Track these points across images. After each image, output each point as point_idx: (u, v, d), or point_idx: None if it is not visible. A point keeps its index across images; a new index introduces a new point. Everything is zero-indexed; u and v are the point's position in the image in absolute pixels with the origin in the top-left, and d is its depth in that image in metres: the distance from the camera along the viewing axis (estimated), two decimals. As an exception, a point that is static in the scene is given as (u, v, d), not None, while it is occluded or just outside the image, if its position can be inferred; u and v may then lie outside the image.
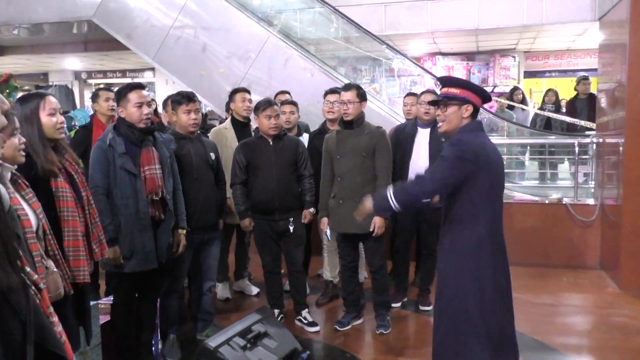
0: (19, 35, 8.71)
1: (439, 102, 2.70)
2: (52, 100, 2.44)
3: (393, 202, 2.61)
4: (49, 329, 1.75)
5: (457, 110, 2.64)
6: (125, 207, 3.13)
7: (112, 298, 3.39)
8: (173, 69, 7.17)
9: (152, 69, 14.55)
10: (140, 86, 3.27)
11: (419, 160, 4.28)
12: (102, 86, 8.72)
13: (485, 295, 2.57)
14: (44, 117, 2.40)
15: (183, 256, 3.52)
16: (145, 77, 15.56)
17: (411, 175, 4.14)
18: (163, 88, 14.21)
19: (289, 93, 5.30)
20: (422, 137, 4.35)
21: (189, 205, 3.52)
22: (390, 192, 2.62)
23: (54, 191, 2.36)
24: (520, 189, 6.85)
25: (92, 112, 4.87)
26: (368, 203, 2.76)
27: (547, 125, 8.03)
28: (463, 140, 2.55)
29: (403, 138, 4.32)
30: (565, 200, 5.92)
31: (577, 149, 6.11)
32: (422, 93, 4.48)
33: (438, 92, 3.02)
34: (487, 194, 2.56)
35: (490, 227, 2.59)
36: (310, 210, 4.07)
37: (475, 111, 2.66)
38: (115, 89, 3.60)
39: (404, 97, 5.13)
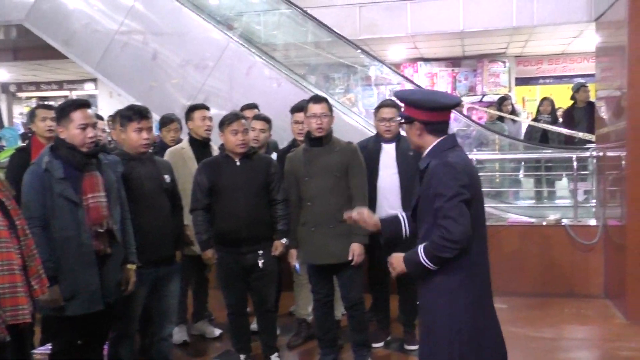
0: None
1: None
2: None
3: (431, 265, 2.59)
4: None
5: (410, 129, 2.69)
6: (66, 241, 3.10)
7: (50, 347, 3.32)
8: (118, 80, 7.14)
9: (94, 80, 14.48)
10: (85, 104, 3.26)
11: (387, 179, 4.33)
12: (39, 103, 8.58)
13: (472, 335, 2.60)
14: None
15: (134, 295, 3.47)
16: (86, 90, 15.47)
17: (380, 197, 4.27)
18: (107, 102, 14.12)
19: (257, 107, 5.32)
20: (387, 153, 4.40)
21: (140, 236, 3.49)
22: (422, 257, 2.59)
23: (-17, 220, 2.34)
24: (515, 209, 6.95)
25: (22, 131, 4.79)
26: (401, 265, 2.71)
27: (544, 138, 8.19)
28: (445, 164, 2.54)
29: (367, 156, 4.29)
30: (565, 222, 6.02)
31: (575, 163, 6.22)
32: (380, 107, 4.48)
33: None
34: (475, 216, 2.58)
35: (480, 253, 2.63)
36: (282, 241, 4.05)
37: (431, 125, 2.63)
38: (56, 106, 3.58)
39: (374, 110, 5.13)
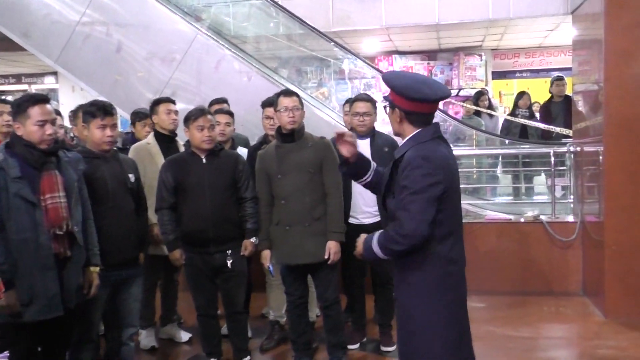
0: None
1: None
2: None
3: (380, 254, 2.65)
4: None
5: (391, 114, 2.67)
6: (23, 243, 3.05)
7: (7, 355, 3.28)
8: (81, 73, 7.06)
9: (55, 73, 14.29)
10: (44, 100, 3.21)
11: None
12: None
13: (452, 334, 2.62)
14: None
15: (96, 299, 3.44)
16: (46, 83, 15.24)
17: (356, 194, 4.31)
18: (68, 96, 13.95)
19: (226, 102, 5.33)
20: (362, 149, 4.34)
21: (103, 237, 3.47)
22: (375, 244, 2.65)
23: None
24: (492, 206, 7.02)
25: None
26: (360, 246, 2.78)
27: (524, 133, 8.26)
28: (422, 157, 2.51)
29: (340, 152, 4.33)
30: (542, 218, 6.11)
31: (552, 159, 6.31)
32: (354, 101, 4.52)
33: None
34: (451, 213, 2.60)
35: (457, 250, 2.64)
36: (251, 240, 4.06)
37: (411, 115, 2.61)
38: (13, 100, 3.55)
39: (343, 104, 5.14)
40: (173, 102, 4.73)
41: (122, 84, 6.89)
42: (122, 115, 6.10)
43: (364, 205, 4.35)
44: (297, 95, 4.07)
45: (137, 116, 5.07)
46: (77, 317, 3.36)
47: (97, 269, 3.39)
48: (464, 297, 2.71)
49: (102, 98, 5.73)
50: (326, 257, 3.90)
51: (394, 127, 2.71)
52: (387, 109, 2.69)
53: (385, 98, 2.72)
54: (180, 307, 5.06)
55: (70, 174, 3.25)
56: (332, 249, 3.91)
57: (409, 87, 2.59)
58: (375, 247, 2.62)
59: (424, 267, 2.57)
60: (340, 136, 2.81)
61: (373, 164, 2.91)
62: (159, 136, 4.64)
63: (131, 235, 3.68)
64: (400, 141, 2.74)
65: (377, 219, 4.30)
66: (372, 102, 4.46)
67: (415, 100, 2.57)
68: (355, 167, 2.87)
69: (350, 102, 4.68)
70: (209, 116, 4.01)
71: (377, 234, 2.66)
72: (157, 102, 4.70)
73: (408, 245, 2.50)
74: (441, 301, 2.59)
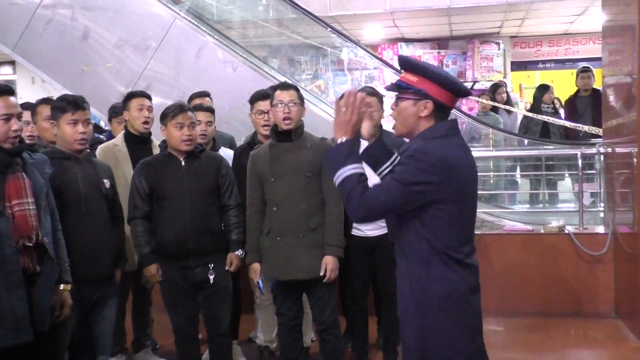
0: None
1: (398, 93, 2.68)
2: None
3: (339, 178, 2.55)
4: None
5: (412, 106, 2.61)
6: (-15, 257, 3.00)
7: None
8: (42, 63, 7.05)
9: (12, 62, 14.22)
10: (8, 91, 3.17)
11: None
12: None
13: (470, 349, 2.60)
14: None
15: (66, 322, 3.41)
16: (2, 74, 15.18)
17: None
18: (28, 89, 13.90)
19: (208, 96, 5.32)
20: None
21: (74, 249, 3.47)
22: (347, 172, 2.52)
23: None
24: (511, 215, 6.98)
25: None
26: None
27: (545, 132, 8.21)
28: (424, 151, 2.50)
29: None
30: (569, 229, 6.06)
31: (580, 161, 6.27)
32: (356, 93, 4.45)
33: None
34: (456, 224, 2.58)
35: (464, 266, 2.61)
36: (237, 253, 4.08)
37: (441, 110, 2.61)
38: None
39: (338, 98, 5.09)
40: (148, 96, 4.71)
41: (89, 75, 6.85)
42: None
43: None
44: (296, 89, 4.07)
45: (115, 112, 5.05)
46: (45, 342, 3.28)
47: (69, 286, 3.37)
48: (476, 326, 2.70)
49: (66, 91, 5.92)
50: (322, 273, 3.88)
51: (408, 124, 2.64)
52: (403, 100, 2.63)
53: (400, 87, 2.64)
54: (155, 330, 5.02)
55: (37, 178, 3.22)
56: (328, 264, 3.88)
57: (447, 76, 2.62)
58: (346, 173, 2.51)
59: (424, 286, 2.60)
60: (350, 97, 2.60)
61: (356, 164, 2.61)
62: (129, 137, 4.62)
63: (106, 248, 3.69)
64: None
65: (384, 230, 4.23)
66: (378, 96, 4.41)
67: (452, 92, 2.61)
68: (337, 153, 2.59)
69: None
70: (190, 113, 4.01)
71: (356, 168, 2.53)
72: (129, 97, 4.68)
73: (355, 212, 2.50)
74: (441, 328, 2.59)
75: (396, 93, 2.67)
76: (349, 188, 2.50)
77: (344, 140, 2.56)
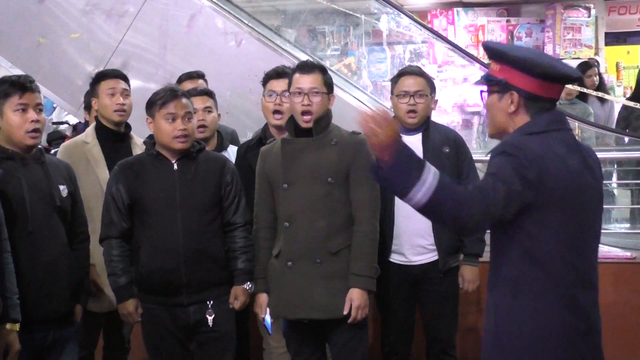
0: None
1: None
2: None
3: (422, 188, 2.35)
4: None
5: (497, 101, 2.57)
6: None
7: None
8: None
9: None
10: None
11: None
12: None
13: None
14: None
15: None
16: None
17: (400, 218, 4.06)
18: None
19: (202, 77, 5.02)
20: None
21: (21, 280, 3.26)
22: (430, 175, 2.34)
23: None
24: (605, 237, 6.43)
25: None
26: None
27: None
28: (517, 145, 2.45)
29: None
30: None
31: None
32: (400, 76, 4.27)
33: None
34: (561, 241, 2.45)
35: (569, 301, 2.46)
36: (245, 286, 3.74)
37: (534, 101, 2.51)
38: None
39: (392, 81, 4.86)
40: (123, 77, 4.36)
41: (47, 49, 6.41)
42: (46, 95, 5.72)
43: (415, 235, 4.00)
44: (323, 71, 3.75)
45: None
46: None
47: (17, 326, 3.21)
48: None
49: (16, 71, 5.53)
50: (345, 312, 3.52)
51: (498, 122, 2.58)
52: (491, 96, 2.60)
53: (490, 80, 2.60)
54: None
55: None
56: (354, 300, 3.52)
57: (538, 60, 2.55)
58: (431, 183, 2.32)
59: (513, 319, 2.50)
60: (368, 118, 2.40)
61: (430, 169, 2.43)
62: (102, 131, 4.25)
63: (62, 277, 3.45)
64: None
65: (434, 256, 4.01)
66: (427, 78, 4.16)
67: (546, 79, 2.51)
68: (397, 172, 2.41)
69: (394, 78, 4.37)
70: (185, 100, 3.71)
71: (434, 173, 2.37)
72: (99, 78, 4.33)
73: (474, 211, 2.36)
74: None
75: (485, 87, 2.69)
76: (447, 196, 2.37)
77: (392, 155, 2.37)
